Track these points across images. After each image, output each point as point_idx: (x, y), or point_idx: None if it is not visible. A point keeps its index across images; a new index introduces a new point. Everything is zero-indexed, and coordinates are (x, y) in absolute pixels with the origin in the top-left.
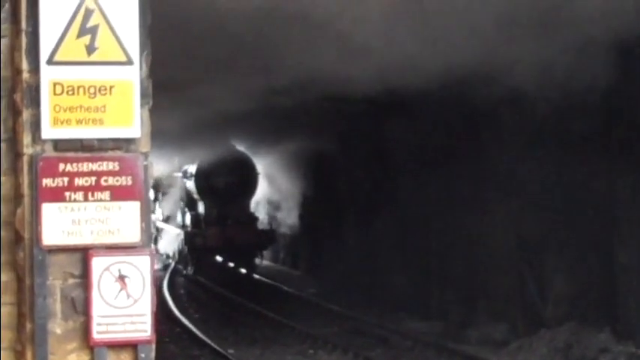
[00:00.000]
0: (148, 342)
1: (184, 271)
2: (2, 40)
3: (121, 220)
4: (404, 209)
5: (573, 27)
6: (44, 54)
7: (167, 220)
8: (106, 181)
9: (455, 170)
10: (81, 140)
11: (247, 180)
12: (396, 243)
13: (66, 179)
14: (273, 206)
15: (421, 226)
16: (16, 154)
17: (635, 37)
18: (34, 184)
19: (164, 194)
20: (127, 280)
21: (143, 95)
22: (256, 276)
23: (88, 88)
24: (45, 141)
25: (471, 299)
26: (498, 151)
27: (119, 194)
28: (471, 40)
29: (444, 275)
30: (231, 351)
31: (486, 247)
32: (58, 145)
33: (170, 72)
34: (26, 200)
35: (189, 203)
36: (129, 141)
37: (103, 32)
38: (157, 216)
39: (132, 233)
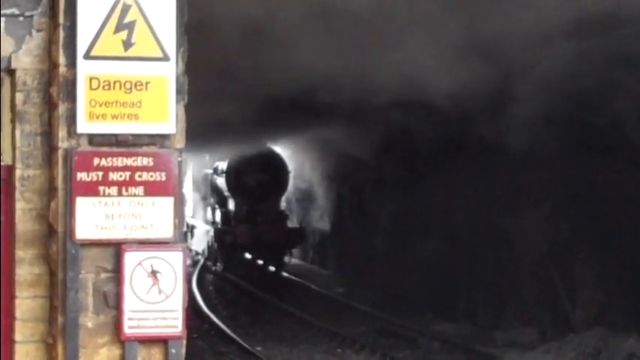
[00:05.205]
0: (179, 338)
1: (213, 268)
2: (40, 33)
3: (154, 215)
4: (433, 211)
5: None
6: (81, 48)
7: None
8: (140, 176)
9: (486, 174)
10: (116, 135)
11: (278, 178)
12: (425, 245)
13: (100, 174)
14: (304, 205)
15: (451, 229)
16: (51, 148)
17: None
18: (69, 177)
19: None
20: (159, 275)
21: (179, 91)
22: (285, 274)
23: (124, 84)
24: (80, 135)
25: (499, 302)
26: (530, 156)
27: (153, 190)
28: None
29: (472, 277)
30: (259, 348)
31: (517, 251)
32: (93, 139)
33: (206, 70)
34: (60, 194)
35: (220, 200)
36: (164, 137)
37: (140, 28)
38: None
39: (165, 229)
